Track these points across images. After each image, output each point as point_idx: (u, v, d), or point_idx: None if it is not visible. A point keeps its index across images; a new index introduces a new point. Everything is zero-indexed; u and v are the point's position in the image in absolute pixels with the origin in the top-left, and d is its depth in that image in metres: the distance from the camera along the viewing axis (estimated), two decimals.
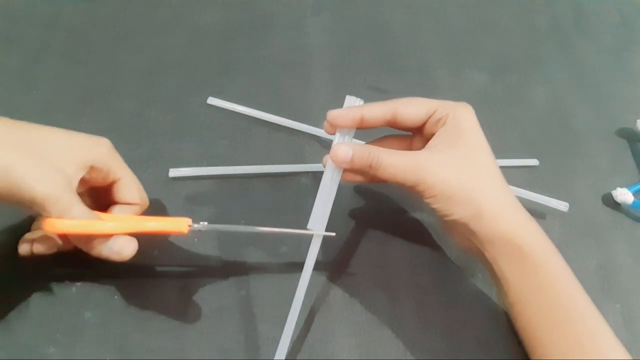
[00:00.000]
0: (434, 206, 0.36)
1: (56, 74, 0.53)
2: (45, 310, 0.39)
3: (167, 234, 0.41)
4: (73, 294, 0.40)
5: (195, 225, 0.36)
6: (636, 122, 0.51)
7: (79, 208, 0.33)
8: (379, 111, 0.38)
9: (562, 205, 0.45)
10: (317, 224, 0.38)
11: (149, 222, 0.36)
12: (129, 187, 0.38)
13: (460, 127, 0.37)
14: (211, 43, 0.56)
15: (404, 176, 0.36)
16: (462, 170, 0.36)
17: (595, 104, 0.54)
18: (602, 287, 0.43)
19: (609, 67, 0.57)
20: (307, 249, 0.43)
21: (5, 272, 0.41)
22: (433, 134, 0.38)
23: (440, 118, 0.37)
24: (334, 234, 0.38)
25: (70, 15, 0.57)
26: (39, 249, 0.36)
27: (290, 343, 0.37)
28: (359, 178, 0.39)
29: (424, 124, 0.38)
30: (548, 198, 0.46)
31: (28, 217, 0.40)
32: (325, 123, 0.38)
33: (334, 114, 0.37)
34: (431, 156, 0.37)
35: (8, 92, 0.51)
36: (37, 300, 0.40)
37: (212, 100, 0.51)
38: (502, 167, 0.48)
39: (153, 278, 0.41)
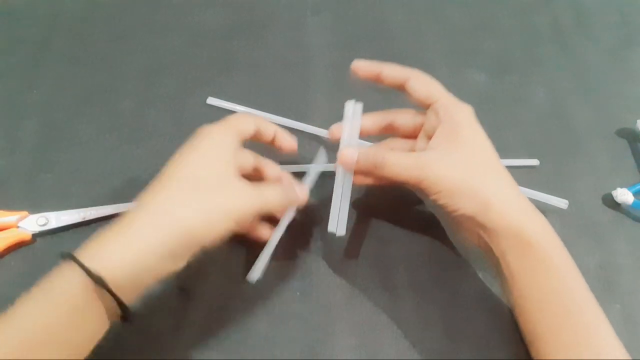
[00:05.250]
0: (440, 202, 0.37)
1: (56, 74, 0.53)
2: None
3: None
4: None
5: None
6: (636, 122, 0.51)
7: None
8: (395, 72, 0.41)
9: (562, 203, 0.45)
10: (336, 226, 0.39)
11: None
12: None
13: (456, 125, 0.38)
14: (211, 43, 0.56)
15: (408, 174, 0.37)
16: (465, 166, 0.37)
17: (595, 104, 0.54)
18: (602, 287, 0.43)
19: (609, 67, 0.57)
20: (306, 249, 0.43)
21: (5, 272, 0.41)
22: (433, 131, 0.39)
23: (438, 111, 0.39)
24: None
25: (70, 15, 0.57)
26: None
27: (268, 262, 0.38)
28: (368, 180, 0.40)
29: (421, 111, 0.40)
30: (547, 195, 0.46)
31: None
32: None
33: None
34: (433, 154, 0.38)
35: (8, 92, 0.51)
36: None
37: (212, 100, 0.51)
38: None
39: None
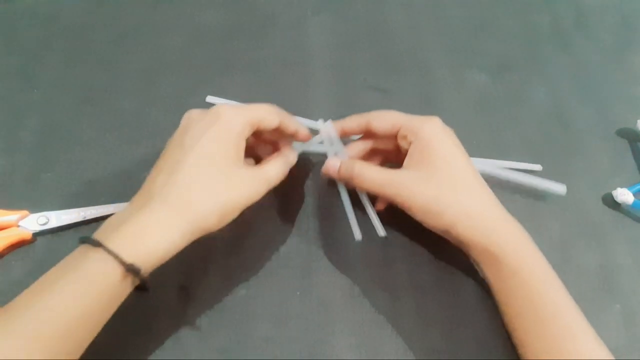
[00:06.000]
0: (417, 218, 0.39)
1: (56, 73, 0.53)
2: None
3: None
4: None
5: None
6: (636, 122, 0.51)
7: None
8: (355, 121, 0.42)
9: (560, 188, 0.45)
10: (357, 231, 0.43)
11: None
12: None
13: (426, 142, 0.39)
14: (211, 43, 0.56)
15: (381, 189, 0.39)
16: (436, 184, 0.38)
17: (596, 104, 0.54)
18: (602, 287, 0.43)
19: (609, 67, 0.57)
20: (307, 249, 0.43)
21: (5, 271, 0.41)
22: (407, 151, 0.40)
23: (405, 135, 0.40)
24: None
25: (70, 15, 0.57)
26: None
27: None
28: (383, 204, 0.44)
29: (396, 137, 0.41)
30: (545, 180, 0.46)
31: None
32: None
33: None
34: (406, 173, 0.39)
35: (8, 92, 0.51)
36: None
37: (211, 99, 0.51)
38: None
39: (153, 278, 0.41)
